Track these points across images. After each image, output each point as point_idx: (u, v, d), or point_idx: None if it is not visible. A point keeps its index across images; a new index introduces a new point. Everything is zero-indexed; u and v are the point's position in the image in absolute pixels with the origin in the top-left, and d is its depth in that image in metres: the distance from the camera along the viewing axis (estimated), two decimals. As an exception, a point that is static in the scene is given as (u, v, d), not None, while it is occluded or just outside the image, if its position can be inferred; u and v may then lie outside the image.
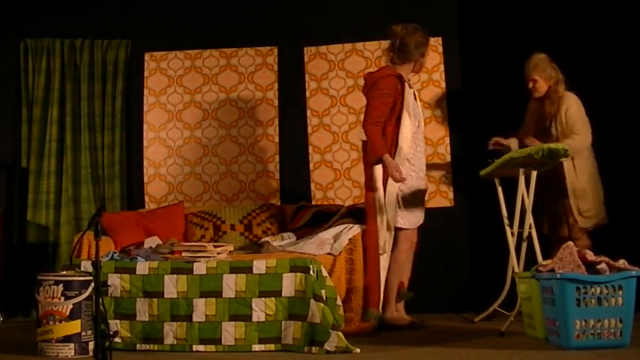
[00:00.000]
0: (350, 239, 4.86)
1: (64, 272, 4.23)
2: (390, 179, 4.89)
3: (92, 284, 3.92)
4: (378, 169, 4.90)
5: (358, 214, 5.09)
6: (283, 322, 4.21)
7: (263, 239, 5.26)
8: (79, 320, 4.07)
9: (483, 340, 4.34)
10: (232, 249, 4.79)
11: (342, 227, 4.97)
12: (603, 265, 3.98)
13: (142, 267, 4.38)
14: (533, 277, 4.22)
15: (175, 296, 4.30)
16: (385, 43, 5.42)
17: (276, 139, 6.15)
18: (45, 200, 6.24)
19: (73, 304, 4.07)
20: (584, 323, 3.91)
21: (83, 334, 4.07)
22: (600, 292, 3.92)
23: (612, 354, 3.76)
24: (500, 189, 5.01)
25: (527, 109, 5.55)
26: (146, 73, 6.27)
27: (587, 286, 3.92)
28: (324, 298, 4.20)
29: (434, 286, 5.62)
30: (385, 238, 4.89)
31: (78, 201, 6.27)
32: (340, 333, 4.11)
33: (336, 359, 3.99)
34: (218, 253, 4.49)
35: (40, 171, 6.29)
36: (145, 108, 6.23)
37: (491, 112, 5.93)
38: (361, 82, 5.57)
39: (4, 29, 6.36)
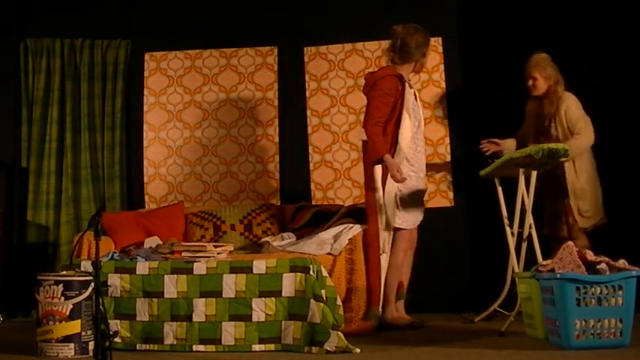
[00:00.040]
0: (350, 239, 4.86)
1: (64, 272, 4.23)
2: (388, 179, 4.90)
3: (92, 284, 3.92)
4: (378, 169, 4.91)
5: (358, 214, 5.10)
6: (283, 322, 4.21)
7: (263, 239, 5.26)
8: (79, 320, 4.07)
9: (483, 340, 4.34)
10: (232, 249, 4.79)
11: (342, 227, 4.97)
12: (603, 265, 3.98)
13: (142, 267, 4.38)
14: (533, 277, 4.22)
15: (175, 296, 4.30)
16: (385, 43, 5.43)
17: (276, 139, 6.15)
18: (45, 200, 6.24)
19: (73, 304, 4.07)
20: (584, 323, 3.91)
21: (83, 334, 4.07)
22: (600, 292, 3.92)
23: (612, 354, 3.76)
24: (500, 189, 5.01)
25: (526, 111, 5.55)
26: (146, 73, 6.27)
27: (587, 286, 3.92)
28: (324, 298, 4.20)
29: (434, 286, 5.62)
30: (384, 238, 4.90)
31: (78, 201, 6.27)
32: (340, 333, 4.11)
33: (336, 359, 3.99)
34: (218, 253, 4.49)
35: (40, 171, 6.29)
36: (145, 108, 6.23)
37: (491, 112, 5.93)
38: (361, 82, 5.58)
39: (4, 29, 6.37)
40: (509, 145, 5.50)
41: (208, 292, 4.27)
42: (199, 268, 4.33)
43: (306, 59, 6.20)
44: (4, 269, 5.98)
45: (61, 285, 4.09)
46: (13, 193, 6.29)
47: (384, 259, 4.90)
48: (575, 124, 5.23)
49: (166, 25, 6.33)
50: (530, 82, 5.37)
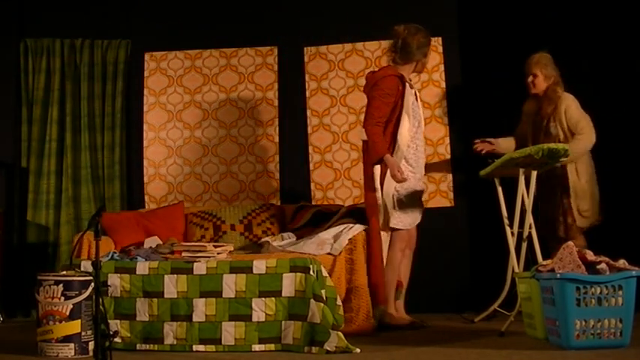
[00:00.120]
0: (350, 239, 4.86)
1: (64, 272, 4.23)
2: (387, 179, 4.91)
3: (92, 284, 3.92)
4: (377, 169, 4.92)
5: (358, 214, 5.10)
6: (283, 322, 4.21)
7: (263, 239, 5.26)
8: (79, 320, 4.07)
9: (483, 340, 4.34)
10: (232, 249, 4.79)
11: (342, 227, 4.97)
12: (603, 265, 3.98)
13: (142, 267, 4.38)
14: (533, 277, 4.22)
15: (175, 296, 4.30)
16: (385, 43, 5.43)
17: (276, 139, 6.15)
18: (45, 200, 6.24)
19: (73, 304, 4.07)
20: (584, 323, 3.91)
21: (83, 334, 4.07)
22: (600, 292, 3.92)
23: (612, 354, 3.76)
24: (500, 189, 5.01)
25: (523, 110, 5.56)
26: (146, 73, 6.27)
27: (587, 286, 3.92)
28: (324, 298, 4.20)
29: (434, 286, 5.63)
30: (383, 238, 4.91)
31: (78, 201, 6.28)
32: (340, 333, 4.11)
33: (336, 359, 3.99)
34: (218, 253, 4.49)
35: (40, 171, 6.29)
36: (145, 108, 6.23)
37: (491, 112, 5.93)
38: (361, 82, 5.59)
39: (4, 29, 6.37)
40: (503, 144, 5.50)
41: (208, 292, 4.27)
42: (199, 268, 4.33)
43: (306, 59, 6.20)
44: (4, 269, 5.98)
45: (61, 285, 4.09)
46: (13, 193, 6.29)
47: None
48: (577, 124, 5.24)
49: (166, 25, 6.32)
50: (530, 79, 5.37)
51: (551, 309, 4.03)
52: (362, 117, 5.20)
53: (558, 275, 3.93)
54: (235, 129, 6.20)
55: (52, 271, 4.63)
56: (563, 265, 4.01)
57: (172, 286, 4.31)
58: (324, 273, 4.36)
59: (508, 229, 4.87)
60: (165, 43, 6.29)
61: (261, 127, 6.17)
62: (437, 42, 5.90)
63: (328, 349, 4.05)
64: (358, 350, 4.05)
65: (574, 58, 5.73)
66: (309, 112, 6.15)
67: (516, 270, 4.77)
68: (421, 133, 5.12)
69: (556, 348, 4.00)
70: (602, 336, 3.93)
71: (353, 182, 6.01)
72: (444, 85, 6.00)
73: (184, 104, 6.23)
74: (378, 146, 4.89)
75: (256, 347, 4.20)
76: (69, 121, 6.32)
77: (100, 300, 3.54)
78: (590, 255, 4.05)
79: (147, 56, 6.29)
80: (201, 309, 4.26)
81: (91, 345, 4.01)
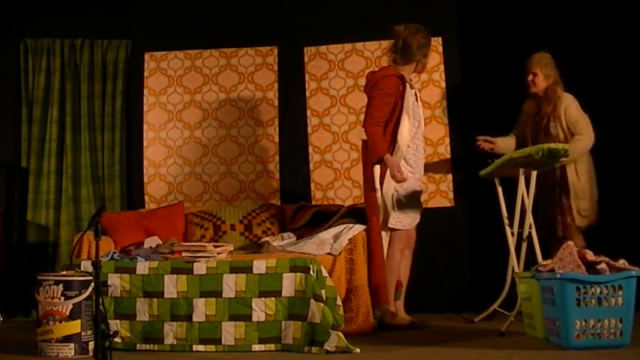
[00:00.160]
0: (350, 239, 4.86)
1: (64, 272, 4.23)
2: (386, 179, 4.91)
3: (92, 284, 3.92)
4: (377, 169, 4.92)
5: (358, 214, 5.10)
6: (283, 322, 4.21)
7: (263, 239, 5.26)
8: (79, 320, 4.07)
9: (483, 340, 4.34)
10: (232, 249, 4.79)
11: (342, 227, 4.97)
12: (603, 265, 3.98)
13: (142, 267, 4.38)
14: (533, 277, 4.22)
15: (175, 296, 4.30)
16: (385, 43, 5.43)
17: (276, 139, 6.15)
18: (45, 200, 6.24)
19: (73, 304, 4.07)
20: (584, 323, 3.91)
21: (83, 334, 4.07)
22: (600, 292, 3.92)
23: (612, 354, 3.76)
24: (500, 189, 5.01)
25: (523, 109, 5.56)
26: (146, 73, 6.27)
27: (587, 286, 3.92)
28: (324, 298, 4.20)
29: (434, 286, 5.63)
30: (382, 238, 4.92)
31: (78, 201, 6.28)
32: (340, 333, 4.11)
33: (336, 359, 3.99)
34: (218, 253, 4.49)
35: (40, 171, 6.29)
36: (145, 108, 6.23)
37: (491, 112, 5.93)
38: (361, 82, 5.59)
39: (4, 29, 6.37)
40: (502, 143, 5.50)
41: (208, 292, 4.27)
42: (199, 268, 4.33)
43: (306, 59, 6.20)
44: (4, 269, 5.98)
45: (61, 285, 4.09)
46: (13, 193, 6.29)
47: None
48: (577, 124, 5.25)
49: (166, 25, 6.32)
50: (530, 77, 5.38)
51: (551, 309, 4.03)
52: (362, 117, 5.19)
53: (558, 275, 3.93)
54: (235, 129, 6.20)
55: (52, 271, 4.62)
56: (563, 265, 4.01)
57: (172, 286, 4.31)
58: (324, 273, 4.36)
59: (508, 229, 4.87)
60: (165, 43, 6.29)
61: (261, 127, 6.18)
62: (437, 42, 5.90)
63: (328, 349, 4.05)
64: (358, 350, 4.05)
65: (574, 58, 5.73)
66: (309, 112, 6.15)
67: (516, 270, 4.77)
68: (421, 133, 5.12)
69: (556, 348, 4.00)
70: (602, 336, 3.92)
71: (353, 182, 6.01)
72: (444, 85, 6.00)
73: (184, 104, 6.23)
74: (378, 146, 4.89)
75: (256, 347, 4.20)
76: (69, 121, 6.32)
77: (100, 300, 3.54)
78: (590, 255, 4.04)
79: (147, 56, 6.29)
80: (201, 309, 4.26)
81: (91, 345, 4.01)
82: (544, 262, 4.29)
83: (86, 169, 6.28)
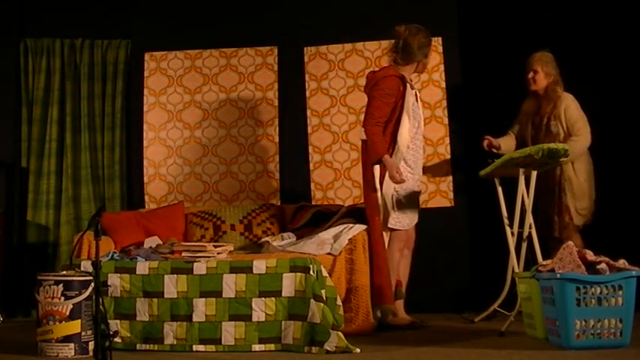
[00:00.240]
0: (350, 239, 4.85)
1: (64, 272, 4.23)
2: (386, 180, 4.91)
3: (92, 284, 3.92)
4: (377, 169, 4.92)
5: (358, 214, 5.10)
6: (283, 322, 4.21)
7: (263, 239, 5.26)
8: (79, 320, 4.07)
9: (483, 340, 4.34)
10: (232, 249, 4.79)
11: (342, 227, 4.97)
12: (603, 265, 3.98)
13: (142, 267, 4.38)
14: (533, 277, 4.22)
15: (175, 296, 4.30)
16: (385, 43, 5.43)
17: (276, 139, 6.15)
18: (45, 200, 6.24)
19: (73, 304, 4.07)
20: (584, 323, 3.91)
21: (83, 334, 4.07)
22: (600, 292, 3.92)
23: (612, 354, 3.76)
24: (500, 189, 5.01)
25: (522, 109, 5.56)
26: (146, 73, 6.27)
27: (587, 286, 3.92)
28: (324, 298, 4.20)
29: (434, 286, 5.63)
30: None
31: (78, 201, 6.28)
32: (340, 333, 4.11)
33: (336, 359, 3.99)
34: (218, 253, 4.49)
35: (40, 171, 6.29)
36: (145, 108, 6.23)
37: (491, 112, 5.93)
38: (361, 82, 5.59)
39: (4, 29, 6.36)
40: (503, 143, 5.50)
41: (208, 292, 4.27)
42: (199, 268, 4.33)
43: (306, 59, 6.20)
44: (4, 269, 5.98)
45: (61, 285, 4.09)
46: (13, 193, 6.29)
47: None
48: (575, 125, 5.25)
49: (166, 25, 6.32)
50: (531, 75, 5.39)
51: (551, 309, 4.03)
52: (362, 117, 5.19)
53: (558, 275, 3.93)
54: (235, 129, 6.20)
55: (52, 271, 4.62)
56: (563, 265, 4.01)
57: (172, 286, 4.31)
58: (324, 273, 4.36)
59: (508, 229, 4.87)
60: (165, 43, 6.28)
61: (261, 127, 6.17)
62: (437, 42, 5.90)
63: (328, 349, 4.05)
64: (358, 350, 4.05)
65: (574, 58, 5.73)
66: (309, 112, 6.15)
67: (516, 270, 4.77)
68: (421, 133, 5.12)
69: (556, 348, 4.00)
70: (602, 336, 3.92)
71: (353, 182, 6.01)
72: (444, 85, 6.00)
73: (184, 104, 6.23)
74: (378, 146, 4.89)
75: (256, 347, 4.20)
76: (69, 121, 6.32)
77: (100, 300, 3.54)
78: (590, 255, 4.05)
79: (147, 56, 6.29)
80: (201, 309, 4.26)
81: (91, 345, 4.01)
82: (544, 262, 4.29)
83: (86, 169, 6.28)
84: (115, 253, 4.65)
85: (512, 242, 4.82)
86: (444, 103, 5.98)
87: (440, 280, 5.71)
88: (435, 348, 4.15)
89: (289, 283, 4.24)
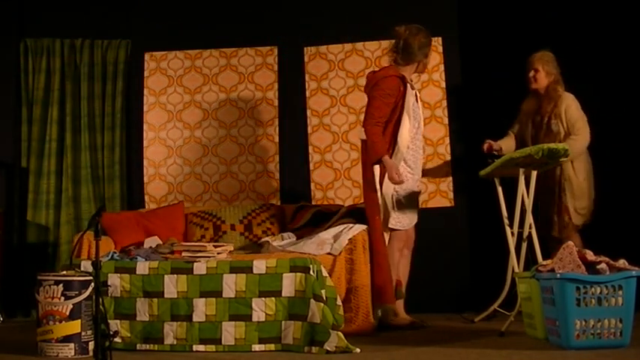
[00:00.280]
0: (350, 239, 4.85)
1: (64, 272, 4.23)
2: (385, 180, 4.91)
3: (92, 284, 3.92)
4: (377, 169, 4.92)
5: (358, 214, 5.10)
6: (283, 322, 4.21)
7: (263, 239, 5.26)
8: (79, 320, 4.07)
9: (483, 340, 4.34)
10: (232, 249, 4.79)
11: (342, 227, 4.97)
12: (603, 265, 3.98)
13: (142, 267, 4.38)
14: (533, 277, 4.22)
15: (175, 296, 4.30)
16: (385, 43, 5.43)
17: (276, 139, 6.15)
18: (45, 200, 6.24)
19: (73, 304, 4.07)
20: (584, 323, 3.91)
21: (83, 334, 4.07)
22: (600, 292, 3.92)
23: (612, 354, 3.76)
24: (500, 189, 5.01)
25: (522, 108, 5.56)
26: (146, 73, 6.27)
27: (587, 286, 3.92)
28: (324, 298, 4.20)
29: (434, 286, 5.63)
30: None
31: (78, 201, 6.27)
32: (340, 333, 4.11)
33: (336, 359, 3.99)
34: (218, 253, 4.49)
35: (40, 171, 6.29)
36: (145, 108, 6.23)
37: (491, 112, 5.93)
38: (361, 82, 5.59)
39: (4, 29, 6.36)
40: (504, 145, 5.50)
41: (208, 292, 4.27)
42: (199, 268, 4.33)
43: (306, 59, 6.20)
44: (4, 269, 5.98)
45: (61, 285, 4.09)
46: (13, 193, 6.28)
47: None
48: (575, 124, 5.26)
49: (166, 25, 6.32)
50: (532, 74, 5.39)
51: (551, 309, 4.03)
52: (362, 117, 5.19)
53: (558, 275, 3.93)
54: (235, 129, 6.20)
55: (52, 271, 4.62)
56: (563, 265, 4.01)
57: (172, 286, 4.31)
58: (324, 273, 4.36)
59: (508, 229, 4.87)
60: (165, 43, 6.28)
61: (261, 127, 6.17)
62: (437, 42, 5.90)
63: (328, 349, 4.05)
64: (358, 350, 4.05)
65: (574, 58, 5.72)
66: (309, 112, 6.15)
67: (516, 270, 4.77)
68: (420, 134, 5.12)
69: (556, 348, 4.00)
70: (602, 336, 3.93)
71: (353, 182, 6.00)
72: (444, 85, 6.00)
73: (184, 104, 6.23)
74: (377, 147, 4.88)
75: (256, 347, 4.20)
76: (69, 121, 6.32)
77: (100, 300, 3.54)
78: (590, 255, 4.05)
79: (147, 56, 6.28)
80: (202, 309, 4.26)
81: (91, 345, 4.01)
82: (544, 262, 4.29)
83: (86, 169, 6.28)
84: (115, 253, 4.65)
85: (512, 242, 4.82)
86: (444, 103, 5.98)
87: (440, 280, 5.71)
88: (435, 348, 4.15)
89: (289, 283, 4.24)
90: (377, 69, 5.39)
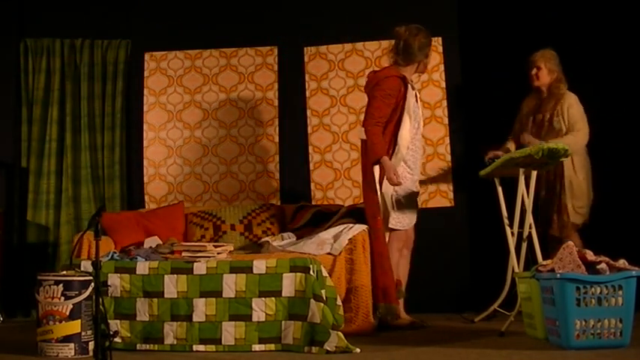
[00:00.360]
0: (350, 239, 4.85)
1: (64, 272, 4.23)
2: (385, 180, 4.90)
3: (92, 284, 3.92)
4: (377, 170, 4.92)
5: (358, 214, 5.10)
6: (283, 322, 4.21)
7: (263, 239, 5.26)
8: (79, 320, 4.07)
9: (483, 340, 4.34)
10: (232, 249, 4.79)
11: (342, 227, 4.97)
12: (603, 265, 3.98)
13: (142, 267, 4.38)
14: (533, 277, 4.22)
15: (175, 296, 4.30)
16: (385, 43, 5.43)
17: (276, 139, 6.15)
18: (45, 200, 6.24)
19: (73, 304, 4.07)
20: (584, 323, 3.91)
21: (83, 334, 4.07)
22: (600, 292, 3.92)
23: (612, 354, 3.76)
24: (500, 189, 5.01)
25: (522, 107, 5.56)
26: (146, 73, 6.27)
27: (587, 286, 3.92)
28: (324, 298, 4.20)
29: (434, 286, 5.63)
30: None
31: (78, 201, 6.27)
32: (340, 333, 4.11)
33: (336, 359, 3.99)
34: (218, 253, 4.49)
35: (40, 171, 6.29)
36: (145, 108, 6.23)
37: (491, 112, 5.94)
38: (361, 82, 5.59)
39: (4, 29, 6.36)
40: (507, 148, 5.51)
41: (208, 292, 4.27)
42: (199, 268, 4.33)
43: (306, 59, 6.19)
44: (4, 269, 5.98)
45: (61, 285, 4.09)
46: (13, 193, 6.28)
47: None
48: (575, 124, 5.27)
49: (166, 25, 6.32)
50: (534, 71, 5.39)
51: (551, 309, 4.03)
52: (362, 117, 5.19)
53: (558, 275, 3.93)
54: (235, 129, 6.20)
55: (52, 271, 4.62)
56: (563, 265, 4.01)
57: (172, 286, 4.31)
58: (324, 273, 4.36)
59: (508, 229, 4.87)
60: (165, 43, 6.28)
61: (261, 127, 6.17)
62: (437, 42, 5.90)
63: (328, 349, 4.05)
64: (358, 350, 4.05)
65: (574, 58, 5.72)
66: (309, 112, 6.15)
67: (516, 270, 4.77)
68: (420, 134, 5.12)
69: (556, 348, 4.00)
70: (602, 336, 3.93)
71: (353, 182, 6.00)
72: (444, 85, 6.00)
73: (184, 104, 6.23)
74: (377, 147, 4.88)
75: (256, 347, 4.20)
76: (69, 121, 6.32)
77: (100, 300, 3.54)
78: (590, 255, 4.05)
79: (147, 56, 6.28)
80: (202, 309, 4.26)
81: (91, 345, 4.01)
82: (544, 262, 4.29)
83: (86, 169, 6.28)
84: (115, 253, 4.65)
85: (512, 242, 4.82)
86: (444, 103, 5.98)
87: (440, 280, 5.71)
88: (435, 348, 4.15)
89: (289, 283, 4.24)
90: (377, 69, 5.39)
